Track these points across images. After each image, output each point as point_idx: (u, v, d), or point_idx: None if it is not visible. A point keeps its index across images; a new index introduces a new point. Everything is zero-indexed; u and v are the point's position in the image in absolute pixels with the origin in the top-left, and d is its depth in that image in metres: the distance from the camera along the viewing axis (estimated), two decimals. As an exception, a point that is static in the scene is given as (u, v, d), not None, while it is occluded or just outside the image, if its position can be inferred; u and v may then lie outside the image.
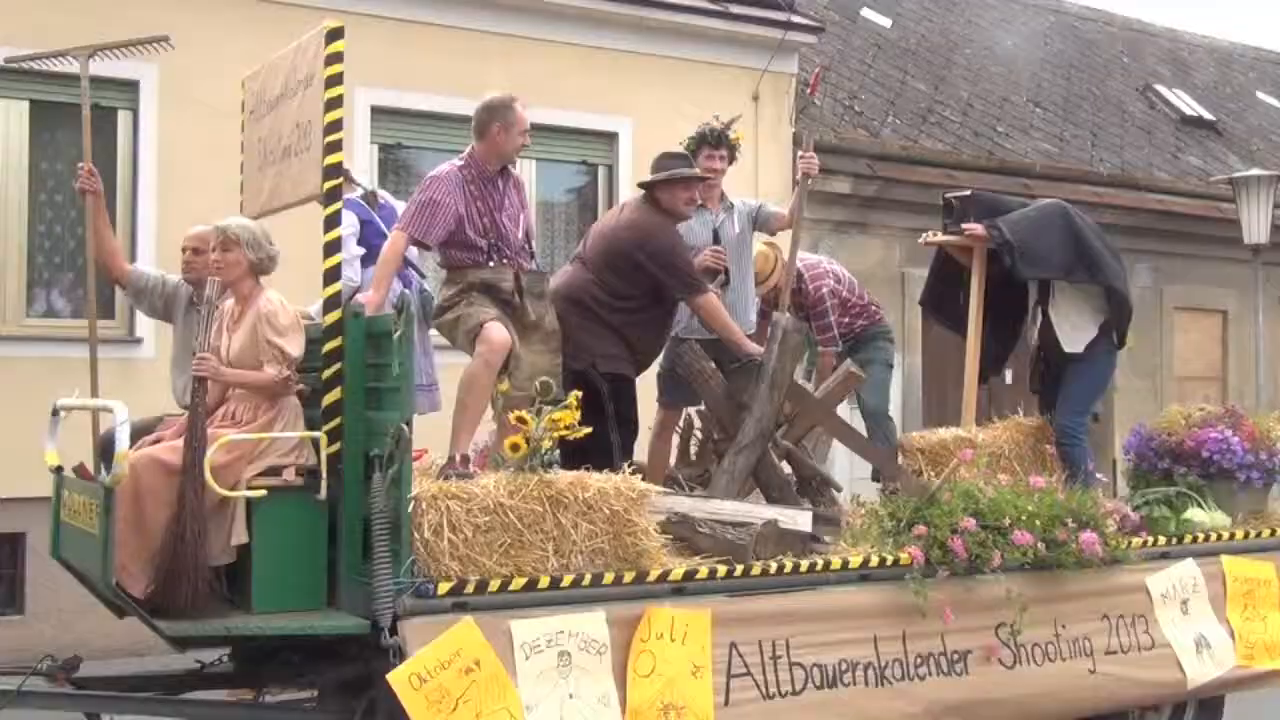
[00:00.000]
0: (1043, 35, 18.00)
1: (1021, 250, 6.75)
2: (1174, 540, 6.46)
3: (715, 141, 6.81)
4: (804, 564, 5.41)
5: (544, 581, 4.85)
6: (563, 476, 4.97)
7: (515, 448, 4.94)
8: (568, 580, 4.90)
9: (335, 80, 5.06)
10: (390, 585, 4.60)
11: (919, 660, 5.56)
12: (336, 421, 4.96)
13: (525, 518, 4.85)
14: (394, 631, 4.60)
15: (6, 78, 8.60)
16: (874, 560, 5.56)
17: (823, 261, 7.40)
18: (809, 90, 6.73)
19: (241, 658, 5.63)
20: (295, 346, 5.02)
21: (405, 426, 4.67)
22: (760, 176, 11.24)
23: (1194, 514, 6.65)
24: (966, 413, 7.22)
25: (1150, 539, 6.39)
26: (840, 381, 6.46)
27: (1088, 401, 7.09)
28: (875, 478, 7.09)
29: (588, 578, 4.93)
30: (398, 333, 4.70)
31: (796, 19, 11.78)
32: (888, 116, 13.55)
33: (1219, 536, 6.63)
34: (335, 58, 5.06)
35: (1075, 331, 7.03)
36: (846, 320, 7.36)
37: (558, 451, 6.44)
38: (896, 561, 5.56)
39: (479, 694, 4.65)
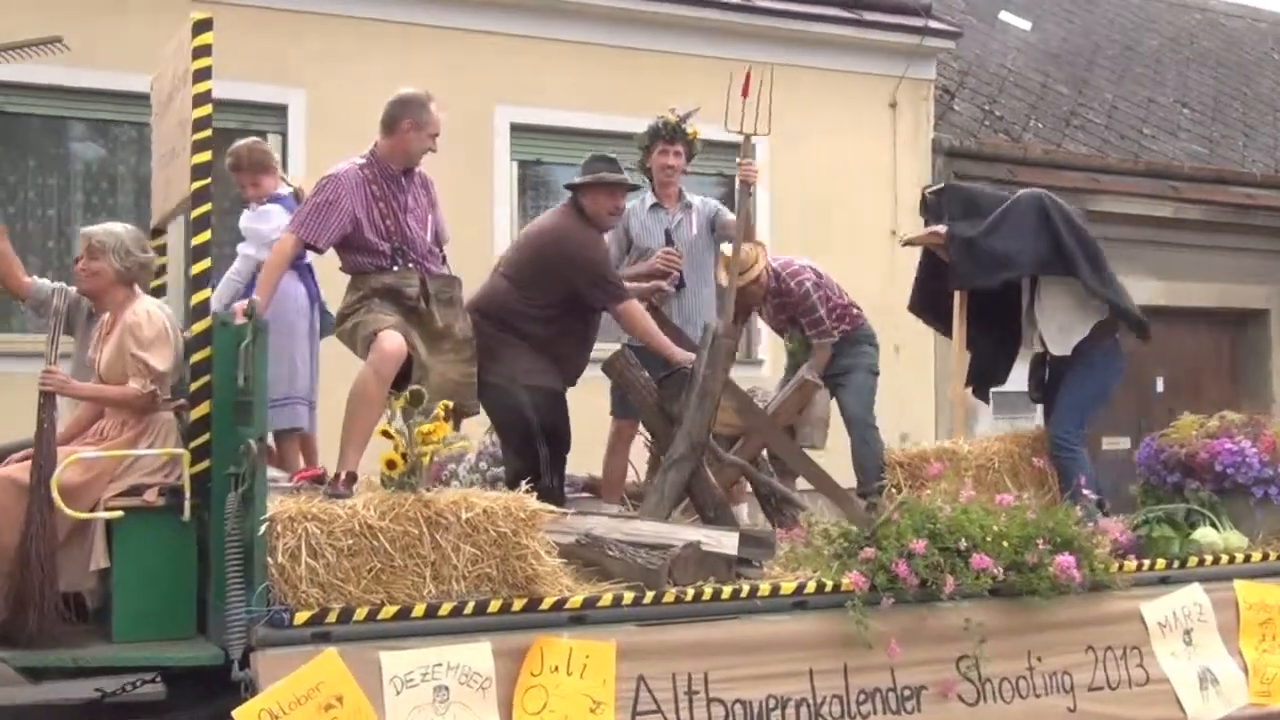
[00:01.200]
0: (1188, 33, 17.07)
1: (973, 254, 6.20)
2: (1175, 563, 5.81)
3: (669, 135, 6.39)
4: (726, 590, 4.92)
5: (419, 610, 4.46)
6: (444, 495, 4.57)
7: (391, 464, 4.56)
8: (446, 608, 4.49)
9: (203, 74, 4.75)
10: (242, 614, 4.25)
11: (862, 697, 5.03)
12: (205, 438, 4.64)
13: (397, 540, 4.46)
14: (245, 663, 4.25)
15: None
16: (810, 586, 5.05)
17: (796, 260, 6.90)
18: (741, 92, 6.28)
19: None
20: (160, 360, 4.71)
21: (253, 443, 4.32)
22: (899, 186, 10.82)
23: (1204, 534, 5.99)
24: (955, 424, 6.65)
25: (1147, 562, 5.75)
26: (795, 391, 5.95)
27: (1082, 409, 6.46)
28: (862, 492, 6.58)
29: (470, 606, 4.52)
30: (243, 343, 4.35)
31: (933, 24, 11.23)
32: (1029, 120, 12.84)
33: (1232, 559, 5.95)
34: (203, 50, 4.75)
35: (1063, 333, 6.43)
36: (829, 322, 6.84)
37: (497, 470, 6.14)
38: (837, 587, 5.04)
39: (340, 731, 4.28)
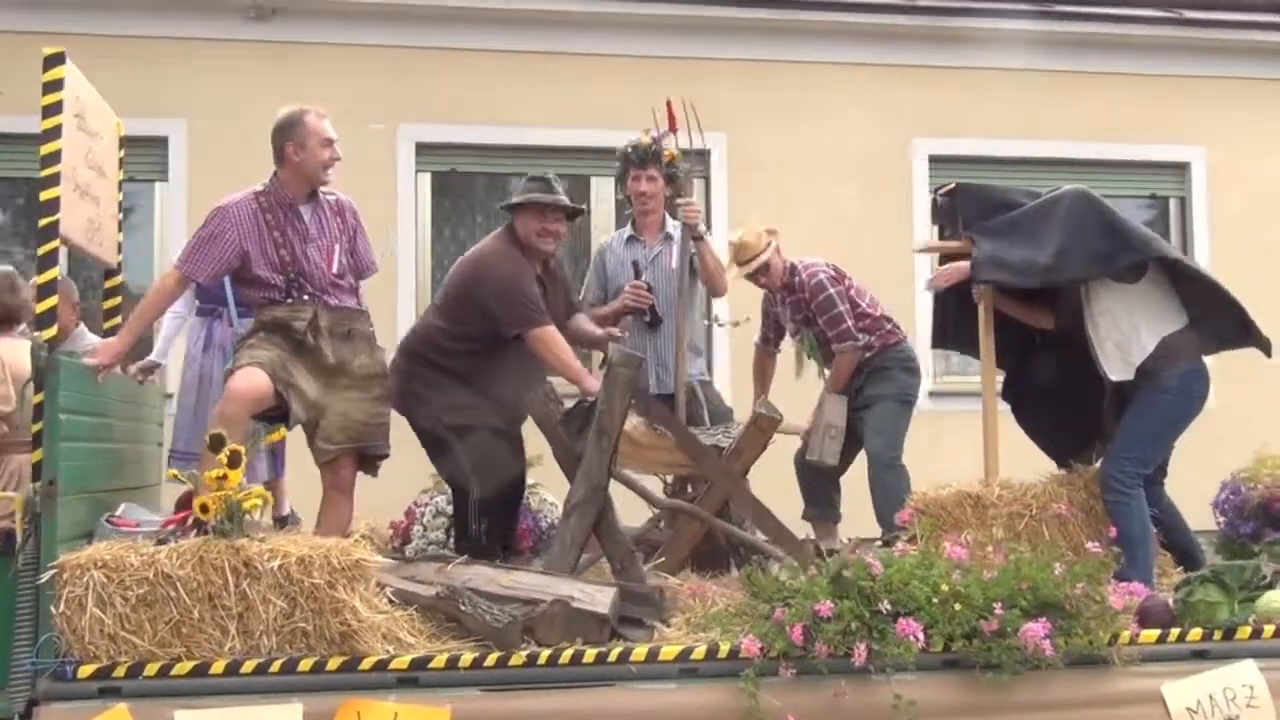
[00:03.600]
0: None
1: (1008, 250, 5.25)
2: (1212, 634, 4.67)
3: (640, 160, 5.83)
4: (591, 653, 4.31)
5: (218, 666, 4.11)
6: (254, 543, 4.21)
7: (204, 508, 4.26)
8: (250, 666, 4.13)
9: (52, 109, 4.64)
10: (25, 666, 4.05)
11: (761, 785, 4.28)
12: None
13: (199, 590, 4.14)
14: (28, 718, 4.04)
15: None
16: (699, 652, 4.35)
17: (820, 260, 6.15)
18: (669, 127, 5.70)
19: None
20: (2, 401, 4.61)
21: (34, 488, 4.12)
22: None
23: (1273, 598, 4.80)
24: (988, 463, 5.67)
25: (1174, 632, 4.66)
26: (750, 430, 5.23)
27: (1143, 443, 5.35)
28: (884, 526, 5.78)
29: (278, 664, 4.14)
30: (23, 385, 4.16)
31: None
32: None
33: (1308, 631, 4.74)
34: (53, 85, 4.65)
35: (1120, 351, 5.36)
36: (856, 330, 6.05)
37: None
38: (735, 653, 4.32)
39: (122, 796, 3.99)
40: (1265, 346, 5.47)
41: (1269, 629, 4.69)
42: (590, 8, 8.88)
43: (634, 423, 5.06)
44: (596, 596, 4.42)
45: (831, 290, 5.90)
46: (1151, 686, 4.53)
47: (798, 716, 4.23)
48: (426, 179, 8.92)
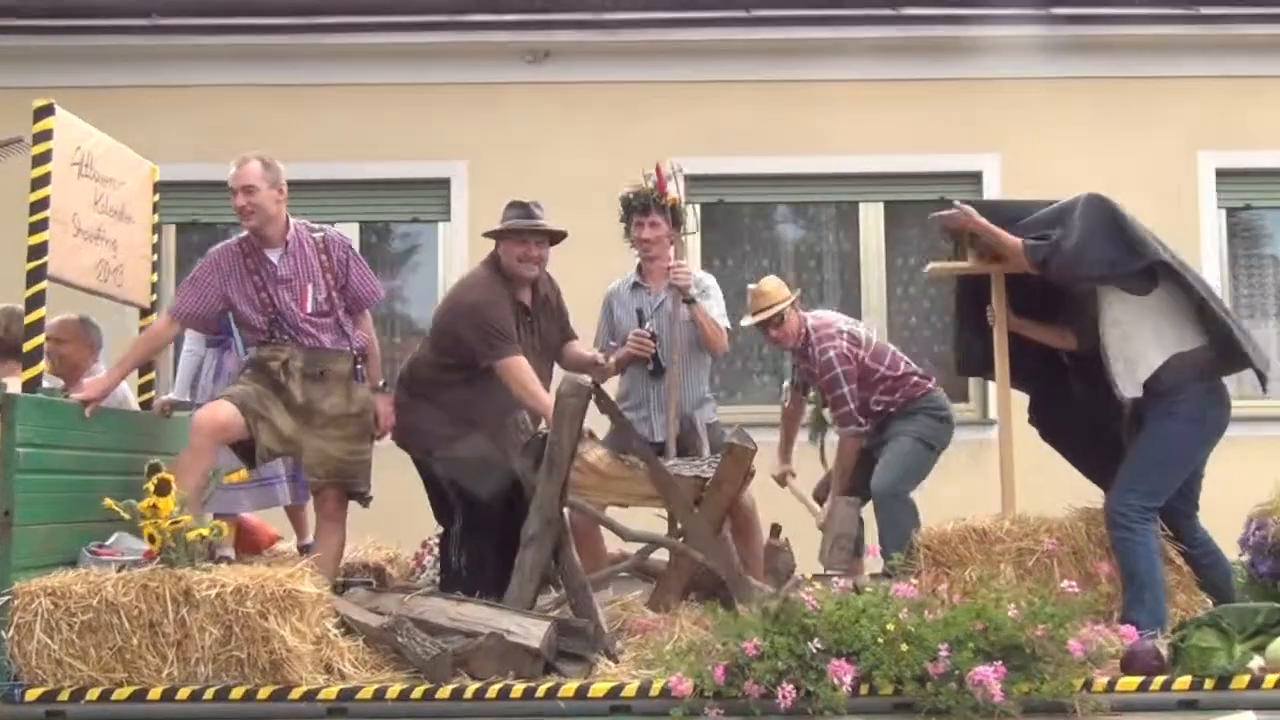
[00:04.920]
0: None
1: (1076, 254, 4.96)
2: (1202, 683, 4.28)
3: (642, 207, 5.74)
4: (518, 688, 4.26)
5: (155, 693, 4.25)
6: (197, 573, 4.33)
7: (152, 539, 4.41)
8: (185, 693, 4.24)
9: (41, 159, 4.91)
10: (-20, 688, 4.27)
11: (692, 828, 4.14)
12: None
13: (141, 618, 4.29)
14: (-22, 740, 4.26)
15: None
16: (630, 689, 4.25)
17: (839, 321, 5.90)
18: (659, 189, 5.61)
19: None
20: None
21: (-15, 515, 4.34)
22: None
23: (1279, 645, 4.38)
24: (1005, 495, 5.36)
25: (1159, 680, 4.29)
26: (726, 461, 5.07)
27: (1152, 474, 4.98)
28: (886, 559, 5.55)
29: (211, 691, 4.24)
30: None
31: None
32: None
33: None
34: (43, 135, 4.92)
35: (1129, 367, 5.01)
36: (875, 397, 5.77)
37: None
38: (667, 692, 4.21)
39: (58, 817, 4.16)
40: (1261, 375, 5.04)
41: (1271, 679, 4.27)
42: (862, 34, 8.84)
43: (599, 454, 5.00)
44: (531, 630, 4.37)
45: (839, 370, 5.63)
46: (1132, 739, 4.21)
47: (723, 759, 4.09)
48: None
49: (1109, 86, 8.76)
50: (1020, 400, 5.59)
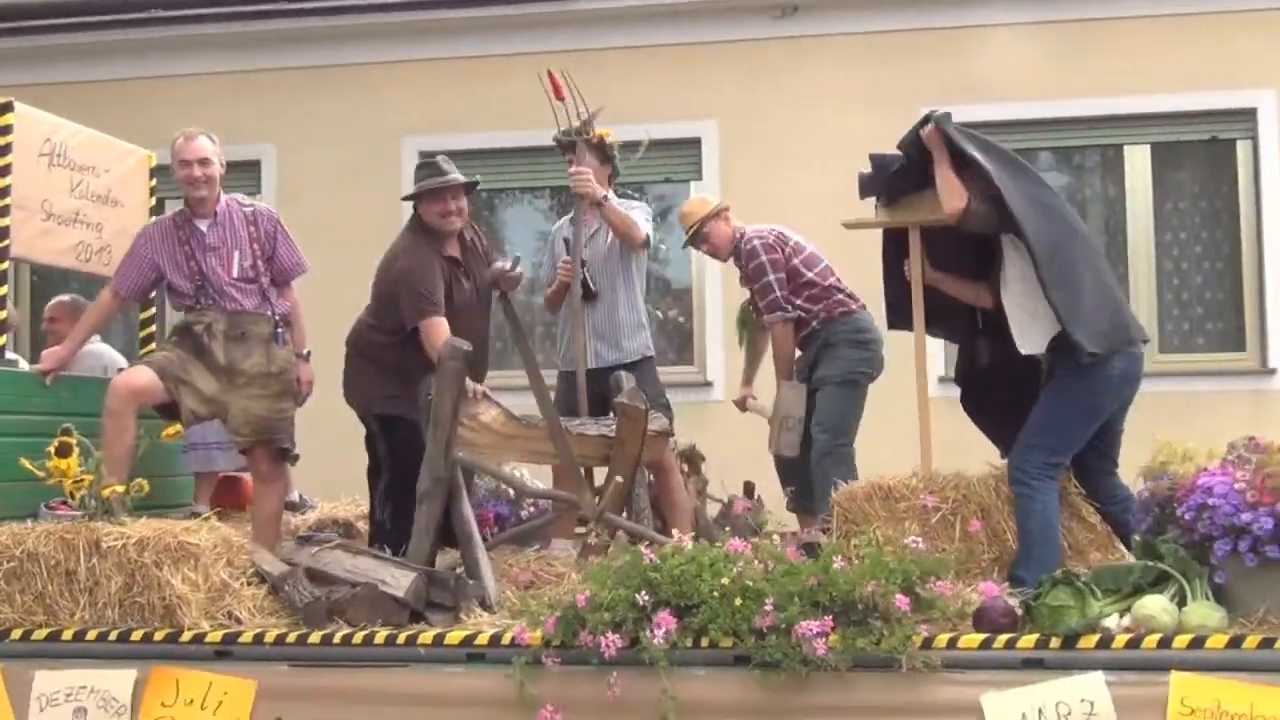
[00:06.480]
0: None
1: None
2: (1048, 641, 4.19)
3: (565, 148, 5.92)
4: (381, 635, 4.53)
5: (68, 633, 4.70)
6: (107, 525, 4.76)
7: (72, 494, 4.86)
8: (93, 634, 4.69)
9: (2, 151, 5.43)
10: (-72, 627, 4.80)
11: (536, 769, 4.34)
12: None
13: (57, 566, 4.74)
14: (-77, 675, 4.78)
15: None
16: (483, 637, 4.47)
17: (775, 227, 6.01)
18: (555, 95, 5.67)
19: None
20: None
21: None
22: None
23: (1146, 604, 4.23)
24: (923, 452, 5.31)
25: (1004, 637, 4.24)
26: (621, 423, 5.20)
27: (1052, 431, 4.87)
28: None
29: (114, 633, 4.67)
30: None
31: None
32: None
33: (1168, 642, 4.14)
34: (3, 129, 5.43)
35: (1034, 321, 4.91)
36: (799, 303, 5.85)
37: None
38: (515, 641, 4.41)
39: (-17, 741, 4.66)
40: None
41: (1120, 639, 4.16)
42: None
43: (494, 414, 5.19)
44: (400, 580, 4.63)
45: (764, 258, 5.76)
46: (969, 696, 4.17)
47: (560, 705, 4.26)
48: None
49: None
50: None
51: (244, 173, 9.14)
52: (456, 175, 5.51)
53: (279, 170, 9.56)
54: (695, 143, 9.02)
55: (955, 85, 8.50)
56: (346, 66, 9.51)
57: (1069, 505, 5.15)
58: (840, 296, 5.86)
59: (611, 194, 6.02)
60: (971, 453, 5.37)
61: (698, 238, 6.04)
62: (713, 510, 6.37)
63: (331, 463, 6.32)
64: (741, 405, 6.40)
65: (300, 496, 6.57)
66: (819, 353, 5.85)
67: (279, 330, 5.54)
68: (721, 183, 8.72)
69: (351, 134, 9.41)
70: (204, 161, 5.43)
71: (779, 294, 5.79)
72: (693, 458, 6.34)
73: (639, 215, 5.97)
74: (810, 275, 5.84)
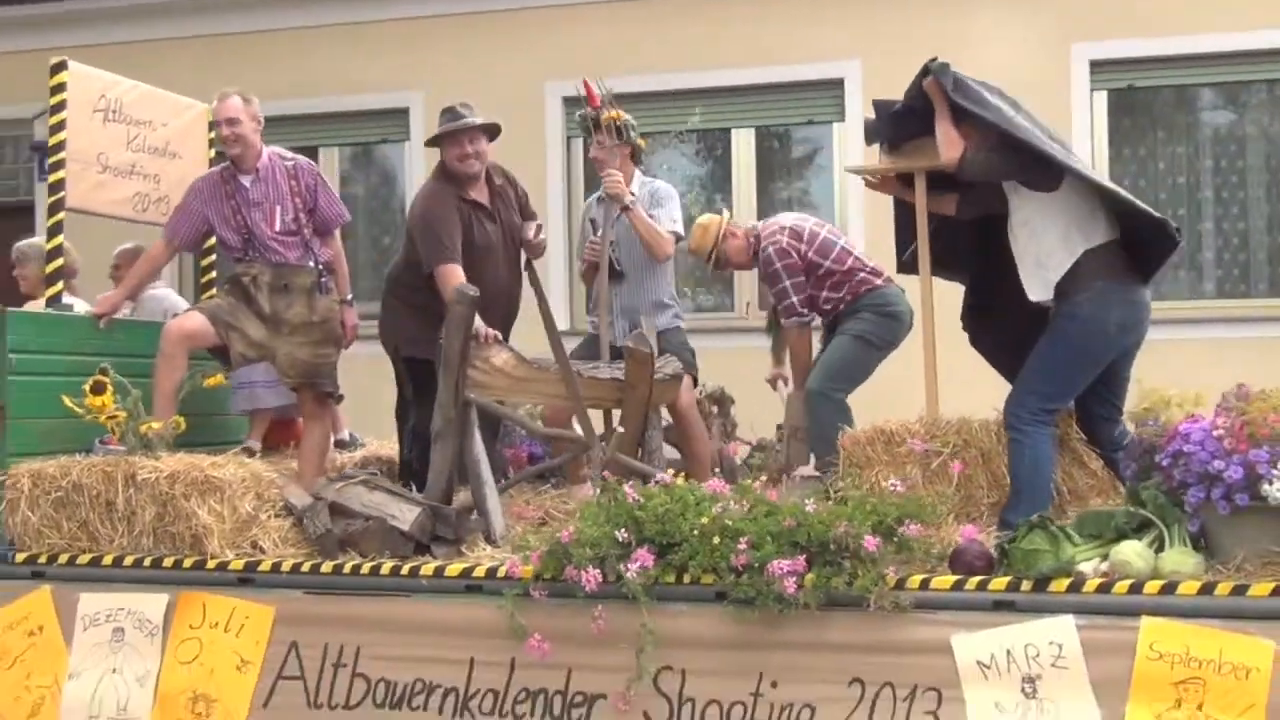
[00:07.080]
0: None
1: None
2: (1019, 584, 4.25)
3: (588, 129, 6.05)
4: (387, 566, 4.80)
5: (108, 559, 5.07)
6: (144, 460, 5.10)
7: (111, 431, 5.22)
8: (130, 560, 5.05)
9: (58, 108, 5.76)
10: (-15, 550, 5.23)
11: (523, 695, 4.59)
12: None
13: (101, 496, 5.11)
14: (-14, 589, 5.21)
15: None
16: (480, 570, 4.71)
17: (784, 219, 6.01)
18: (590, 105, 5.77)
19: None
20: None
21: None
22: None
23: (1122, 550, 4.26)
24: (928, 396, 5.36)
25: (976, 580, 4.32)
26: (629, 365, 5.34)
27: (1047, 377, 4.87)
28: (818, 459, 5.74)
29: (149, 559, 5.02)
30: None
31: None
32: None
33: (1139, 588, 4.17)
34: (58, 88, 5.76)
35: (1040, 268, 4.91)
36: (824, 294, 5.88)
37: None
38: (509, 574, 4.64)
39: (35, 656, 5.09)
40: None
41: (1092, 583, 4.21)
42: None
43: (505, 357, 5.37)
44: (406, 515, 4.89)
45: (778, 264, 5.80)
46: (940, 636, 4.26)
47: (547, 635, 4.48)
48: (1102, 97, 8.90)
49: None
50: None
51: (392, 121, 9.43)
52: (472, 118, 5.68)
53: (425, 117, 9.50)
54: (838, 84, 8.93)
55: (1106, 19, 8.18)
56: (493, 13, 9.69)
57: (1071, 451, 5.17)
58: (863, 275, 5.87)
59: (638, 174, 6.13)
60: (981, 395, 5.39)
61: (718, 264, 6.12)
62: (745, 453, 6.52)
63: (375, 405, 6.63)
64: (774, 384, 6.48)
65: (350, 435, 6.87)
66: (840, 316, 5.88)
67: (322, 280, 5.81)
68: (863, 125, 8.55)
69: (497, 79, 9.51)
70: (231, 121, 5.68)
71: (795, 299, 5.81)
72: (722, 400, 6.47)
73: (666, 212, 6.03)
74: (828, 264, 5.85)
